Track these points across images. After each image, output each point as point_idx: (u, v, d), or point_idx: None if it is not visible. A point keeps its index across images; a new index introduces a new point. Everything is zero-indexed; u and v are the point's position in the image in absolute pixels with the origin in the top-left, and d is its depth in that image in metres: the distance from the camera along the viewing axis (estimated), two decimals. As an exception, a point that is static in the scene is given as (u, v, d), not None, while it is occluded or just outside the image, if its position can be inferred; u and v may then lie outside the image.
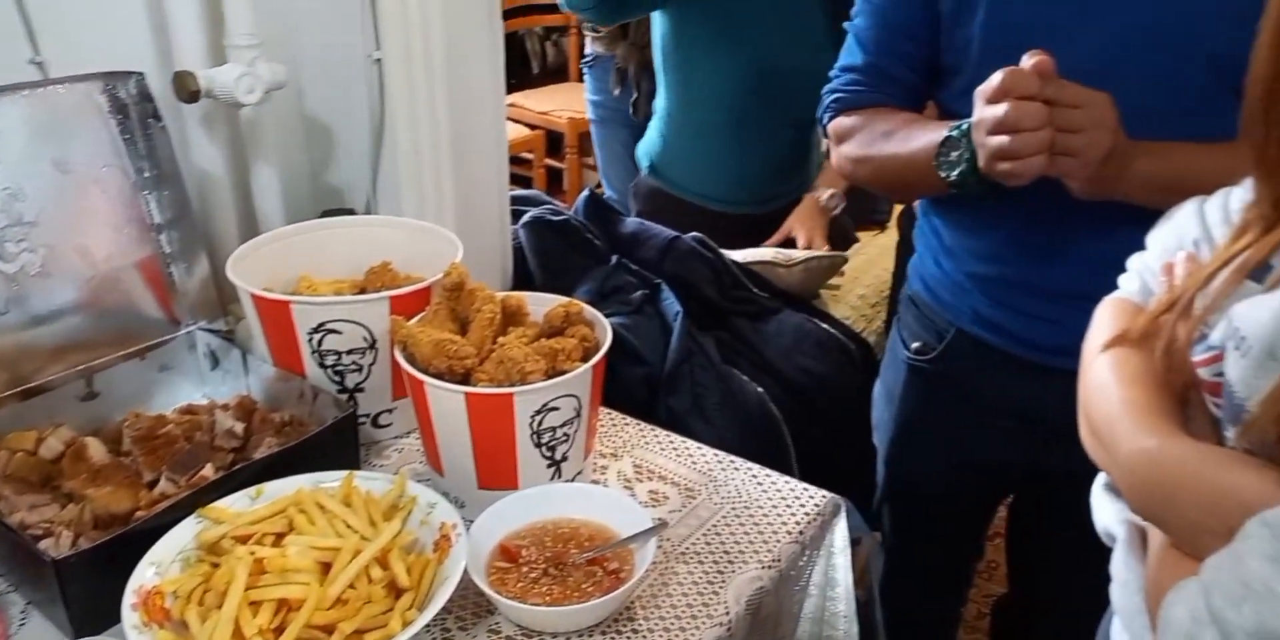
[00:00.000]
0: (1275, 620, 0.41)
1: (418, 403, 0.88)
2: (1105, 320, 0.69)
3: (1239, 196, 0.65)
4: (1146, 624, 0.52)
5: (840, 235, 1.83)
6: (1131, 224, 0.83)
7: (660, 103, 1.84)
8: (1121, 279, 0.75)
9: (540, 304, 0.95)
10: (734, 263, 1.50)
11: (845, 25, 1.13)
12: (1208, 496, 0.51)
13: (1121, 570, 0.62)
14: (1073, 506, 0.70)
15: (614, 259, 1.41)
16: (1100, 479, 0.68)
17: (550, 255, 1.39)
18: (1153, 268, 0.69)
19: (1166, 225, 0.71)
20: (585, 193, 1.52)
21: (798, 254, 1.61)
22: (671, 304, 1.36)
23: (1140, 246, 0.76)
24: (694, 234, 1.48)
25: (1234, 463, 0.51)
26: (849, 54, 1.12)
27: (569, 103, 3.53)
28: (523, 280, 1.37)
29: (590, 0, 1.65)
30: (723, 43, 1.68)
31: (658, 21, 1.77)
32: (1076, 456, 0.67)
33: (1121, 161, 0.88)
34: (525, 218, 1.40)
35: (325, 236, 1.09)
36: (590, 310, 0.94)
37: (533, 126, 3.59)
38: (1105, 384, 0.62)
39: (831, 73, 1.15)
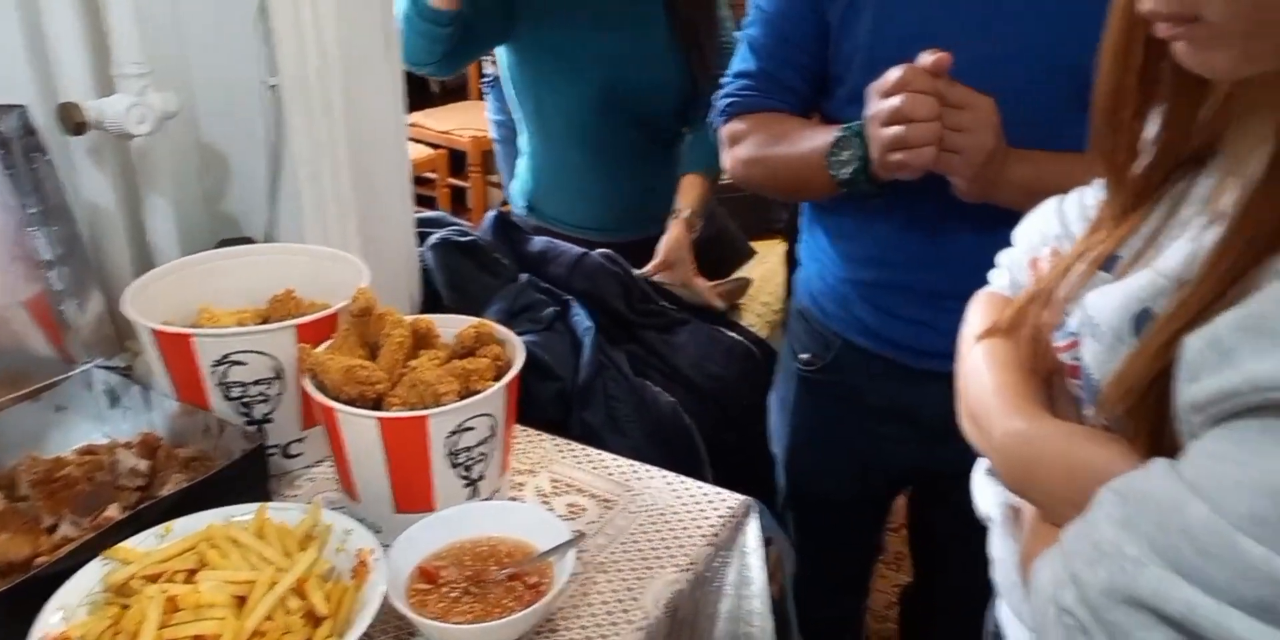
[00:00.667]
0: (1123, 577, 0.44)
1: (330, 431, 0.88)
2: (978, 313, 0.74)
3: (1092, 195, 0.70)
4: (1023, 596, 0.55)
5: (730, 251, 1.87)
6: (1004, 226, 0.88)
7: (522, 141, 1.83)
8: (992, 274, 0.80)
9: (451, 325, 0.96)
10: (644, 278, 1.52)
11: (737, 33, 1.18)
12: (1068, 470, 0.55)
13: (999, 549, 0.66)
14: (961, 499, 0.75)
15: (523, 277, 1.42)
16: (980, 464, 0.72)
17: (458, 276, 1.39)
18: (1020, 263, 0.74)
19: (1030, 222, 0.76)
20: (492, 213, 1.53)
21: (704, 283, 1.66)
22: (582, 320, 1.38)
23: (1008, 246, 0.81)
24: (602, 250, 1.51)
25: (1090, 438, 0.56)
26: (742, 60, 1.16)
27: (471, 121, 3.53)
28: (431, 302, 1.37)
29: (428, 57, 1.61)
30: (566, 69, 1.67)
31: (502, 60, 1.75)
32: (959, 453, 0.71)
33: (1000, 165, 0.94)
34: (432, 239, 1.40)
35: (224, 266, 1.07)
36: (501, 329, 0.95)
37: (435, 146, 3.57)
38: (979, 372, 0.67)
39: (723, 79, 1.19)
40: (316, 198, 1.16)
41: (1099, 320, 0.57)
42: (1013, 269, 0.75)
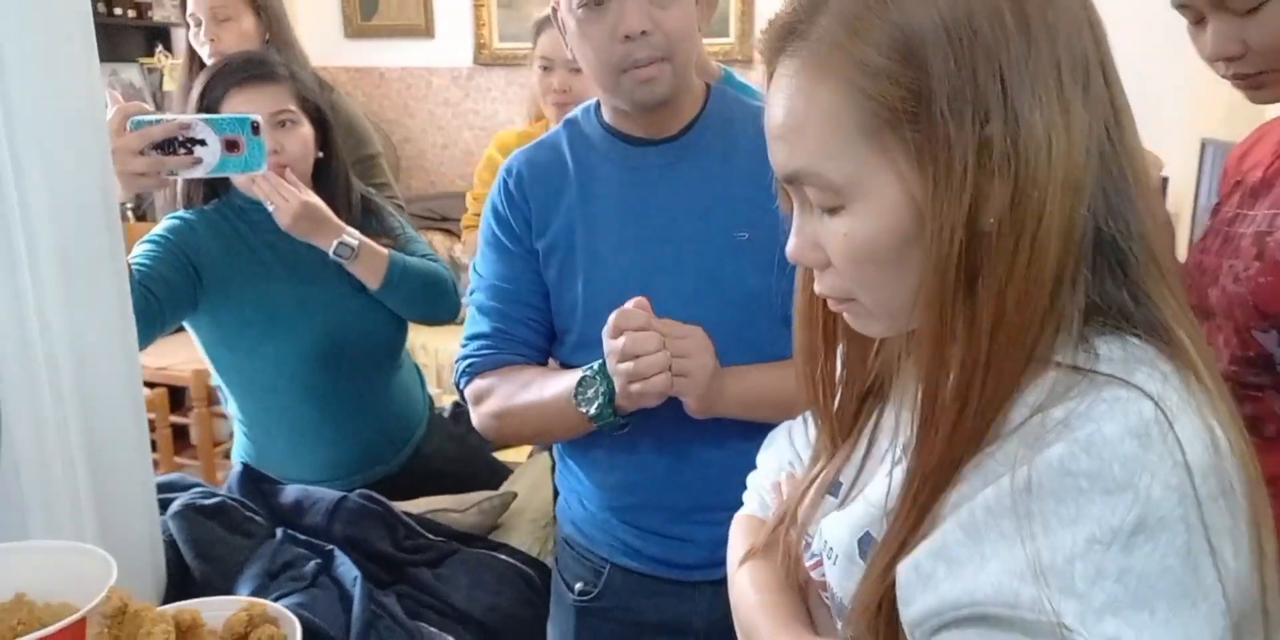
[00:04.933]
0: None
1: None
2: (738, 537, 0.83)
3: (811, 423, 0.83)
4: None
5: (485, 469, 1.91)
6: (739, 438, 1.02)
7: (232, 409, 1.75)
8: (745, 496, 0.90)
9: (217, 609, 0.91)
10: (406, 513, 1.51)
11: (464, 300, 1.27)
12: None
13: None
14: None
15: (279, 533, 1.37)
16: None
17: (206, 543, 1.31)
18: (765, 486, 0.85)
19: (769, 448, 0.88)
20: (238, 466, 1.47)
21: (470, 497, 1.67)
22: (348, 569, 1.34)
23: (744, 456, 0.93)
24: (361, 490, 1.49)
25: None
26: (474, 324, 1.26)
27: (192, 353, 3.37)
28: (179, 576, 1.28)
29: None
30: (275, 327, 1.63)
31: (196, 332, 1.69)
32: None
33: (719, 382, 1.08)
34: (174, 507, 1.33)
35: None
36: (274, 607, 0.92)
37: (151, 384, 3.36)
38: (746, 594, 0.75)
39: (460, 342, 1.27)
40: (42, 485, 1.08)
41: (834, 544, 0.67)
42: (760, 491, 0.86)
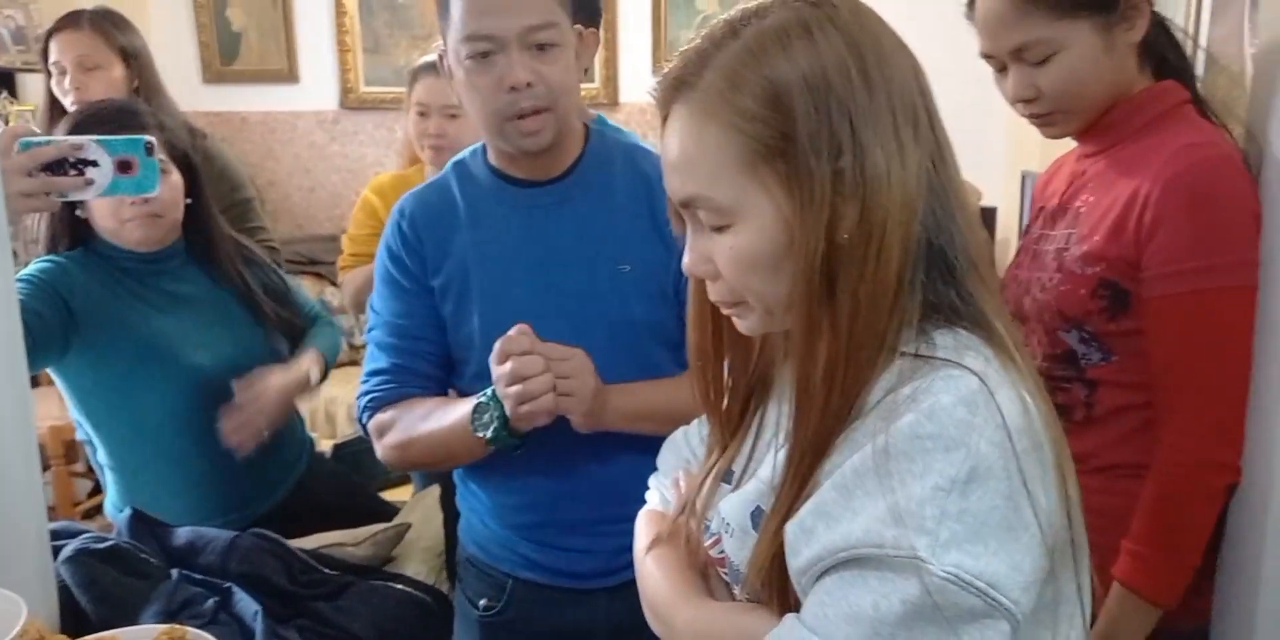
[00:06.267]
0: None
1: None
2: (643, 529, 0.92)
3: (703, 425, 0.94)
4: None
5: (375, 503, 1.93)
6: (627, 452, 1.11)
7: (102, 458, 1.71)
8: (647, 495, 0.99)
9: (134, 636, 0.93)
10: (300, 549, 1.53)
11: (365, 336, 1.32)
12: (736, 638, 0.73)
13: None
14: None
15: (175, 573, 1.37)
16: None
17: (102, 586, 1.30)
18: (665, 484, 0.95)
19: (667, 451, 0.99)
20: (128, 510, 1.46)
21: (362, 531, 1.69)
22: (248, 604, 1.36)
23: (636, 470, 1.02)
24: (254, 529, 1.50)
25: (745, 611, 0.75)
26: (373, 360, 1.31)
27: (49, 410, 3.22)
28: (73, 622, 1.26)
29: None
30: (157, 365, 1.61)
31: (65, 380, 1.65)
32: None
33: (603, 399, 1.17)
34: (65, 552, 1.31)
35: None
36: (195, 631, 0.95)
37: (4, 442, 3.18)
38: (654, 578, 0.85)
39: (361, 379, 1.32)
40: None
41: (730, 521, 0.78)
42: (661, 489, 0.96)
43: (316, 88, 4.25)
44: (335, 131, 4.32)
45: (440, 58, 1.26)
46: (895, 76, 0.70)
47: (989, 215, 3.15)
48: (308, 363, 1.76)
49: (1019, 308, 1.28)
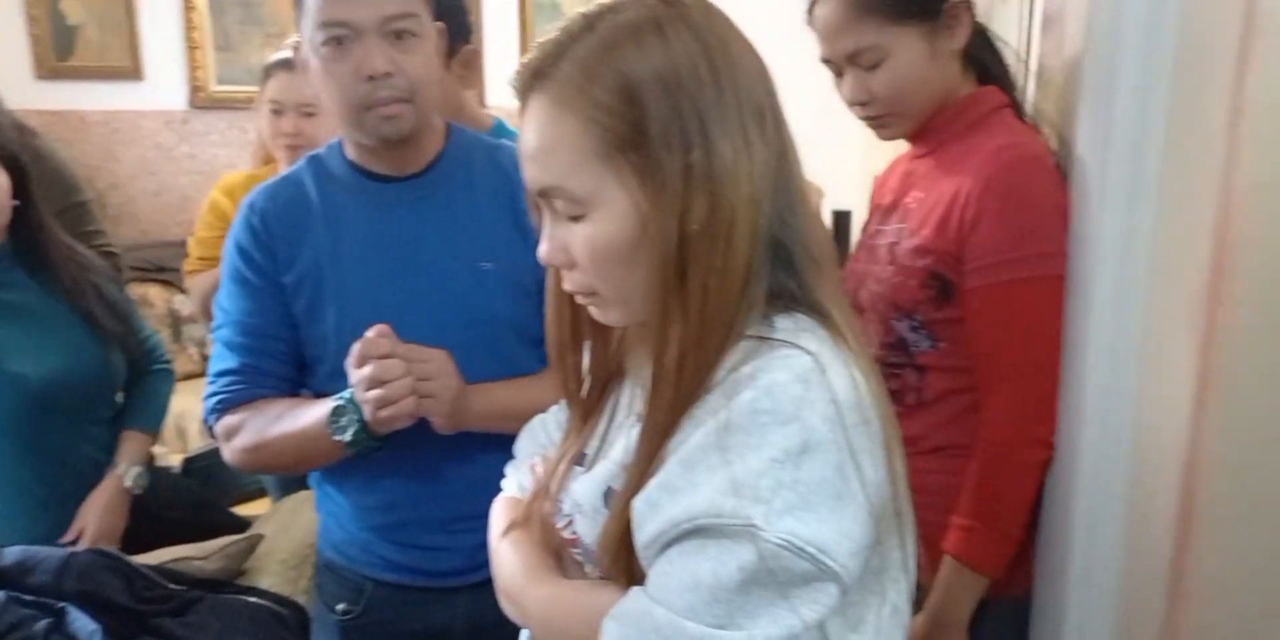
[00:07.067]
0: None
1: None
2: (498, 514, 0.92)
3: (560, 413, 0.94)
4: None
5: (226, 517, 1.85)
6: (484, 451, 1.10)
7: None
8: (504, 483, 0.99)
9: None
10: (145, 565, 1.45)
11: (212, 335, 1.26)
12: (585, 614, 0.74)
13: None
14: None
15: (2, 595, 1.28)
16: (523, 636, 0.88)
17: (-85, 612, 1.20)
18: (522, 470, 0.95)
19: (524, 438, 0.99)
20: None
21: (212, 544, 1.62)
22: (84, 624, 1.28)
23: (495, 468, 1.01)
24: (93, 546, 1.41)
25: (594, 587, 0.76)
26: (221, 360, 1.24)
27: None
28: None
29: None
30: None
31: None
32: None
33: (464, 400, 1.16)
34: (-128, 578, 1.20)
35: None
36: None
37: None
38: (507, 559, 0.85)
39: (208, 380, 1.26)
40: None
41: (582, 501, 0.78)
42: (517, 475, 0.96)
43: (163, 86, 4.04)
44: (184, 132, 4.11)
45: (295, 51, 1.23)
46: (743, 76, 0.73)
47: (844, 218, 3.27)
48: (124, 464, 1.70)
49: (856, 299, 1.34)
